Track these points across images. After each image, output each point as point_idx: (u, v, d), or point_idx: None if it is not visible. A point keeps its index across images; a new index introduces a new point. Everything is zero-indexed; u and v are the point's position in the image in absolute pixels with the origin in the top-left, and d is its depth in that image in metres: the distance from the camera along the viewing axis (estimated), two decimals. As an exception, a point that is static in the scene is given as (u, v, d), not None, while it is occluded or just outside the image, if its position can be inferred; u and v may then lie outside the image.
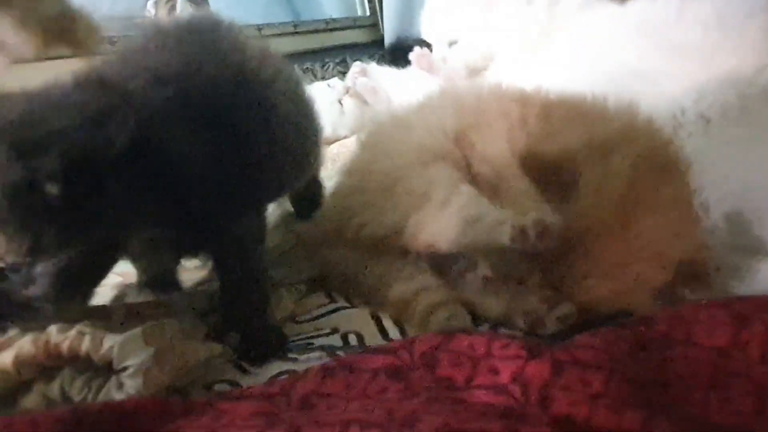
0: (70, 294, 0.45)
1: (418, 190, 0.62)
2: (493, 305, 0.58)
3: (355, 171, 0.73)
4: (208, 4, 1.69)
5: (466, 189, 0.61)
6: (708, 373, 0.43)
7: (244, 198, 0.54)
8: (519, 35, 1.08)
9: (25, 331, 0.46)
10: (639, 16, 0.92)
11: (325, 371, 0.45)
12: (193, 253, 0.56)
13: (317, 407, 0.42)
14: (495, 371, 0.43)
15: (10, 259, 0.41)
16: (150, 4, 1.61)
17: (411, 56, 1.33)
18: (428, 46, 1.31)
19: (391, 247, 0.63)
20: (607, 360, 0.43)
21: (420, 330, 0.55)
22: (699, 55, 0.84)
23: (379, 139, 0.75)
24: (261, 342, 0.55)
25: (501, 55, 1.12)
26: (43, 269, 0.42)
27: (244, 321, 0.56)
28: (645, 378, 0.42)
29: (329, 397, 0.43)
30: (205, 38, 0.57)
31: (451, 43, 1.19)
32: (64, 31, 0.29)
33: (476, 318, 0.58)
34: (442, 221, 0.59)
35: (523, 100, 0.69)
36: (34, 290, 0.42)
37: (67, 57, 0.75)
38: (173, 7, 1.70)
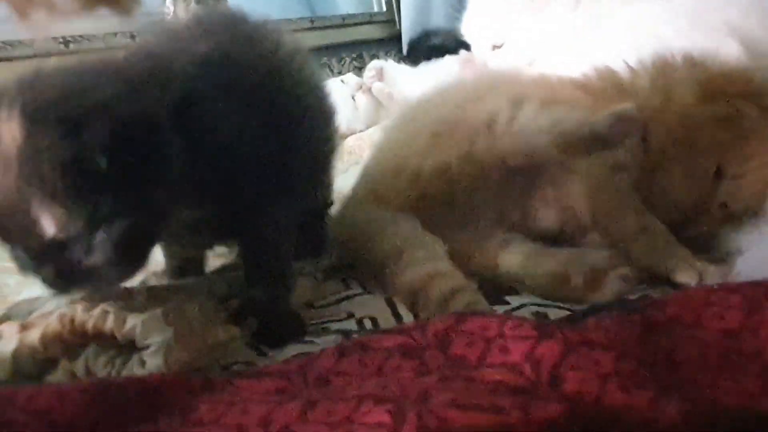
0: (128, 260, 0.46)
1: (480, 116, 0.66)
2: (545, 263, 0.60)
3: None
4: (226, 0, 1.71)
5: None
6: (717, 354, 0.44)
7: (282, 182, 0.55)
8: (566, 39, 1.08)
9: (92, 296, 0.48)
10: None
11: (341, 350, 0.46)
12: (226, 236, 0.57)
13: (333, 384, 0.43)
14: (506, 351, 0.44)
15: (70, 231, 0.42)
16: (169, 1, 1.63)
17: (458, 59, 1.33)
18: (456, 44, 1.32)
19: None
20: (617, 341, 0.44)
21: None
22: (737, 35, 0.85)
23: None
24: (281, 327, 0.57)
25: (546, 57, 1.10)
26: (101, 238, 0.43)
27: (266, 307, 0.57)
28: (654, 359, 0.43)
29: (344, 375, 0.44)
30: (241, 28, 0.59)
31: (495, 47, 1.19)
32: None
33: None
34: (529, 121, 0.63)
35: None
36: (94, 259, 0.43)
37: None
38: (197, 2, 1.72)
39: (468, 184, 0.67)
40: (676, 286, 0.60)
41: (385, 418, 0.37)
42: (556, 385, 0.41)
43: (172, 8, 1.64)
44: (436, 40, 1.62)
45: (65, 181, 0.41)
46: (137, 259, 0.47)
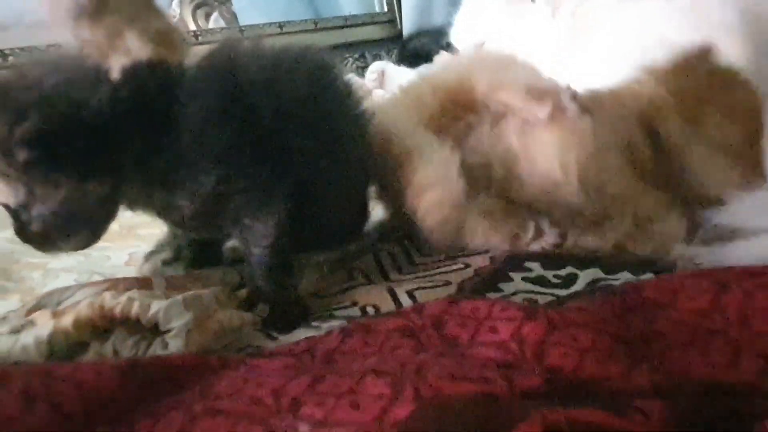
0: (71, 231, 0.56)
1: None
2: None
3: None
4: (231, 3, 1.75)
5: None
6: (688, 332, 0.48)
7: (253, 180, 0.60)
8: (545, 47, 1.11)
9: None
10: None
11: (345, 332, 0.51)
12: (224, 228, 0.62)
13: (338, 362, 0.48)
14: (495, 331, 0.48)
15: (11, 202, 0.53)
16: (175, 4, 1.68)
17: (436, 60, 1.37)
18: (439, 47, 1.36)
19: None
20: (595, 320, 0.48)
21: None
22: (735, 33, 0.90)
23: None
24: (286, 314, 0.61)
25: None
26: (37, 212, 0.53)
27: (270, 295, 0.62)
28: (629, 336, 0.47)
29: (348, 353, 0.48)
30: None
31: (477, 46, 1.23)
32: (166, 42, 0.35)
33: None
34: None
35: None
36: (36, 227, 0.54)
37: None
38: (197, 6, 1.77)
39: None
40: (657, 272, 0.64)
41: (385, 390, 0.42)
42: (540, 360, 0.45)
43: (178, 11, 1.69)
44: (417, 44, 1.66)
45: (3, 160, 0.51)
46: (81, 230, 0.56)
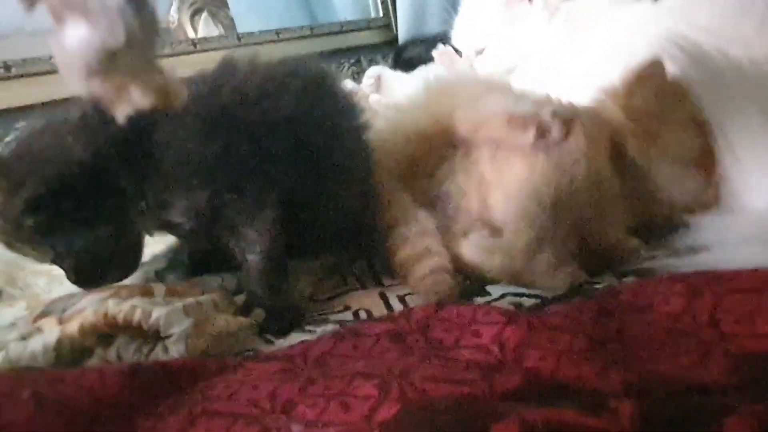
0: (100, 274, 0.62)
1: None
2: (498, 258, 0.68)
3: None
4: (228, 8, 1.77)
5: None
6: (661, 334, 0.51)
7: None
8: (542, 51, 1.14)
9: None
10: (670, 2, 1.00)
11: (336, 336, 0.53)
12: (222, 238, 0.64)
13: (329, 365, 0.50)
14: (478, 334, 0.51)
15: (46, 262, 0.60)
16: (173, 11, 1.70)
17: (433, 53, 1.40)
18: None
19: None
20: (573, 324, 0.51)
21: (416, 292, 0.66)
22: (720, 36, 0.92)
23: None
24: (282, 317, 0.64)
25: (523, 68, 1.17)
26: (68, 264, 0.60)
27: (265, 301, 0.65)
28: (605, 338, 0.50)
29: (339, 357, 0.51)
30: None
31: (478, 52, 1.26)
32: (165, 93, 0.39)
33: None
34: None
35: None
36: (74, 276, 0.61)
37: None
38: (195, 12, 1.79)
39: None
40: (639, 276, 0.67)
41: (373, 391, 0.45)
42: (519, 362, 0.48)
43: (176, 17, 1.71)
44: (411, 53, 1.69)
45: (19, 231, 0.57)
46: (114, 266, 0.62)
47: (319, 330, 0.62)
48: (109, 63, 0.37)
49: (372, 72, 1.54)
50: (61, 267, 0.61)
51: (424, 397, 0.44)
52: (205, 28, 1.73)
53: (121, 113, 0.39)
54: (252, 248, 0.63)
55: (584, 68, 1.04)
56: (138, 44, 0.38)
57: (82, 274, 0.60)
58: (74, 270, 0.60)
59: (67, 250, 0.59)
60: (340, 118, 0.71)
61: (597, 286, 0.67)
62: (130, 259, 0.64)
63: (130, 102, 0.38)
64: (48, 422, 0.41)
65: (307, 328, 0.63)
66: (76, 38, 0.37)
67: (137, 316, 0.53)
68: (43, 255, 0.60)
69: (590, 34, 1.10)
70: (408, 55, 1.71)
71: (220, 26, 1.75)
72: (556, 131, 0.67)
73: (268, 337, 0.62)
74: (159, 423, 0.44)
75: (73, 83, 0.39)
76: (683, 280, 0.55)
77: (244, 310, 0.63)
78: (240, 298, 0.65)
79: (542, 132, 0.67)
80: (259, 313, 0.63)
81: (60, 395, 0.42)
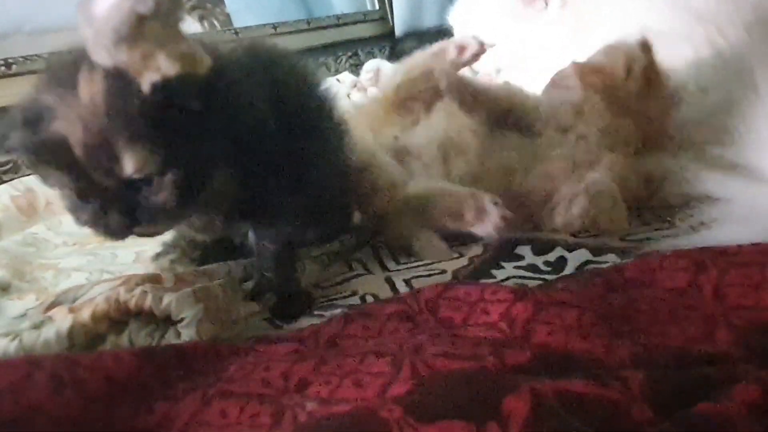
0: (182, 206, 0.52)
1: None
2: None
3: None
4: (224, 5, 1.77)
5: None
6: (667, 308, 0.51)
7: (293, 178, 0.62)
8: (545, 50, 1.15)
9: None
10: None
11: (346, 318, 0.54)
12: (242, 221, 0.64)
13: (341, 345, 0.51)
14: (487, 312, 0.51)
15: (147, 170, 0.49)
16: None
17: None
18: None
19: None
20: (580, 300, 0.51)
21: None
22: (713, 21, 0.93)
23: None
24: (293, 302, 0.65)
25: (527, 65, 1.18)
26: (168, 180, 0.50)
27: (277, 287, 0.65)
28: (612, 313, 0.50)
29: (350, 337, 0.52)
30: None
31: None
32: (190, 61, 0.39)
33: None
34: None
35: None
36: (160, 197, 0.50)
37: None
38: (191, 9, 1.79)
39: None
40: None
41: (385, 368, 0.45)
42: (528, 338, 0.48)
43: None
44: (408, 46, 1.69)
45: (147, 125, 0.47)
46: (187, 206, 0.54)
47: (328, 314, 0.62)
48: (137, 30, 0.37)
49: (370, 65, 1.54)
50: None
51: (435, 373, 0.44)
52: (202, 25, 1.73)
53: (147, 81, 0.39)
54: (274, 239, 0.64)
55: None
56: (165, 12, 0.39)
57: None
58: (156, 193, 0.51)
59: None
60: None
61: (603, 265, 0.67)
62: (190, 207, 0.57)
63: (157, 69, 0.38)
64: (67, 404, 0.41)
65: (316, 312, 0.63)
66: (106, 4, 0.38)
67: (148, 301, 0.54)
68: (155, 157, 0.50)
69: (589, 26, 1.11)
70: (403, 48, 1.71)
71: (216, 23, 1.75)
72: None
73: (277, 323, 0.62)
74: (174, 405, 0.45)
75: (99, 52, 0.39)
76: (688, 256, 0.56)
77: (255, 296, 0.64)
78: (248, 285, 0.66)
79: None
80: (270, 297, 0.64)
81: (77, 378, 0.43)
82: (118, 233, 0.51)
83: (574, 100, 0.82)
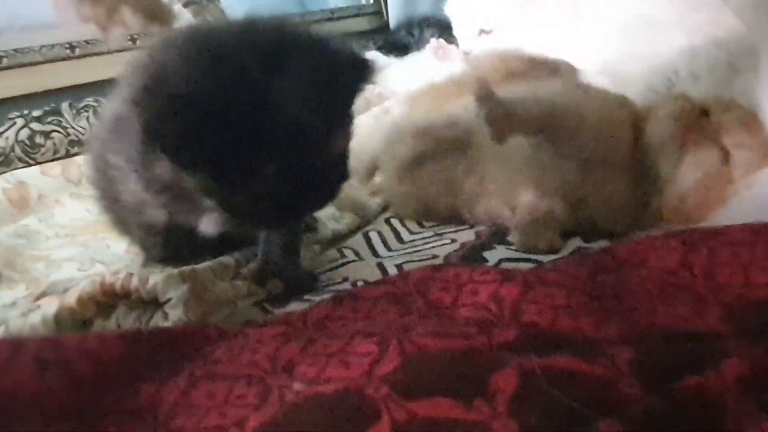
0: None
1: None
2: None
3: None
4: (219, 0, 1.77)
5: None
6: (657, 288, 0.51)
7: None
8: (543, 38, 1.13)
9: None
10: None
11: (335, 301, 0.54)
12: None
13: (329, 327, 0.51)
14: (476, 293, 0.51)
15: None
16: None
17: (428, 48, 1.39)
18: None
19: None
20: (569, 280, 0.51)
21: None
22: (707, 10, 0.93)
23: None
24: (301, 282, 0.66)
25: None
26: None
27: (287, 269, 0.66)
28: (602, 293, 0.50)
29: (339, 320, 0.51)
30: None
31: (483, 32, 1.25)
32: (155, 14, 0.39)
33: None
34: None
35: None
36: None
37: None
38: (186, 4, 1.78)
39: None
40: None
41: (372, 348, 0.45)
42: (516, 318, 0.48)
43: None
44: (398, 37, 1.69)
45: None
46: None
47: (317, 299, 0.62)
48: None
49: (365, 58, 1.53)
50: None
51: (423, 352, 0.44)
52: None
53: (114, 37, 0.39)
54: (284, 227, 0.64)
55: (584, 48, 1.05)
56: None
57: None
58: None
59: None
60: None
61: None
62: None
63: (122, 23, 0.38)
64: (50, 385, 0.41)
65: (306, 297, 0.63)
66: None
67: (134, 282, 0.53)
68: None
69: (586, 14, 1.11)
70: (395, 39, 1.71)
71: (209, 18, 1.75)
72: None
73: (267, 307, 0.62)
74: (161, 387, 0.45)
75: (64, 10, 0.39)
76: (678, 236, 0.55)
77: (259, 281, 0.64)
78: (251, 266, 0.66)
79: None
80: (276, 284, 0.64)
81: (62, 359, 0.42)
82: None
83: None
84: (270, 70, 0.51)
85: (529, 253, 0.69)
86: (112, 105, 0.63)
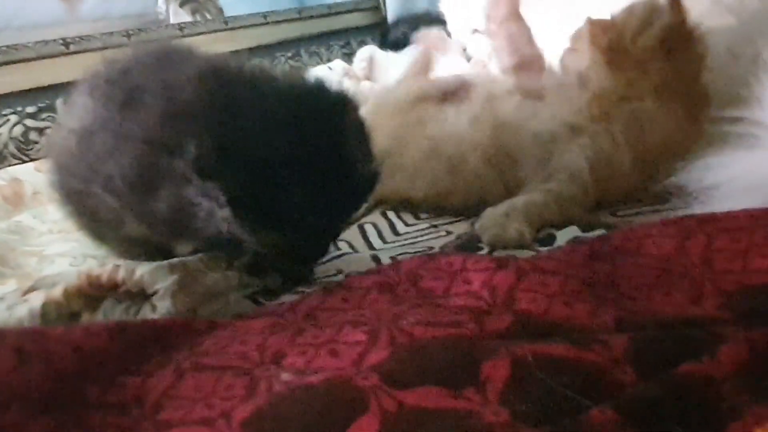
0: None
1: None
2: None
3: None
4: (217, -4, 1.76)
5: None
6: (653, 275, 0.50)
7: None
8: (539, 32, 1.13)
9: None
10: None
11: (325, 291, 0.53)
12: None
13: (319, 317, 0.50)
14: (468, 281, 0.50)
15: None
16: (161, 2, 1.69)
17: (416, 36, 1.38)
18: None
19: None
20: (564, 267, 0.50)
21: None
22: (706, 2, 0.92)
23: None
24: (298, 274, 0.65)
25: None
26: None
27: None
28: (596, 280, 0.49)
29: (329, 310, 0.51)
30: None
31: (475, 31, 1.24)
32: None
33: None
34: None
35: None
36: None
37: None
38: (183, 2, 1.78)
39: None
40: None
41: (362, 337, 0.44)
42: (509, 306, 0.47)
43: (164, 8, 1.70)
44: (397, 33, 1.68)
45: None
46: None
47: (310, 290, 0.61)
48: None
49: (363, 54, 1.52)
50: None
51: (414, 341, 0.43)
52: (195, 18, 1.72)
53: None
54: None
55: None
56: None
57: None
58: None
59: None
60: None
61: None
62: None
63: None
64: (32, 377, 0.40)
65: (299, 290, 0.62)
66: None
67: (121, 273, 0.52)
68: None
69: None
70: (393, 36, 1.70)
71: (208, 16, 1.74)
72: None
73: (260, 300, 0.61)
74: (147, 379, 0.44)
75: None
76: (675, 223, 0.54)
77: (256, 273, 0.63)
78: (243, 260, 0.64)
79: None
80: (274, 280, 0.63)
81: (44, 350, 0.41)
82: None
83: (581, 68, 0.79)
84: (337, 129, 0.56)
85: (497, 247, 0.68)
86: (80, 115, 0.61)
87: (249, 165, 0.51)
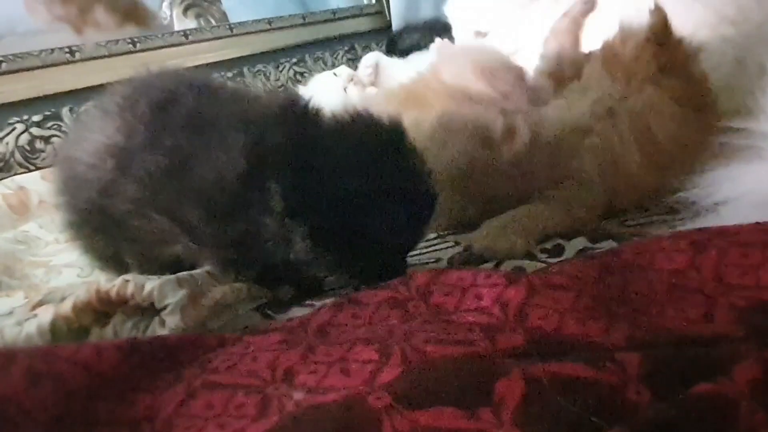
0: None
1: None
2: None
3: None
4: (220, 2, 1.76)
5: None
6: (665, 290, 0.50)
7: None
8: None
9: None
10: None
11: (336, 306, 0.52)
12: None
13: (330, 334, 0.49)
14: (479, 297, 0.50)
15: None
16: (165, 6, 1.69)
17: (432, 47, 1.38)
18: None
19: None
20: (575, 283, 0.50)
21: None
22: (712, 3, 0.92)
23: None
24: (310, 287, 0.66)
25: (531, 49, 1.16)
26: None
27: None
28: (608, 296, 0.49)
29: (339, 326, 0.50)
30: None
31: (479, 34, 1.24)
32: (132, 14, 0.38)
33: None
34: None
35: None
36: None
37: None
38: (188, 7, 1.78)
39: None
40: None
41: (374, 356, 0.44)
42: (521, 322, 0.47)
43: (168, 13, 1.71)
44: (410, 40, 1.68)
45: None
46: None
47: (319, 303, 0.61)
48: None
49: (369, 60, 1.52)
50: None
51: (426, 359, 0.43)
52: (199, 23, 1.72)
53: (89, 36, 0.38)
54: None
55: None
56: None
57: None
58: None
59: None
60: None
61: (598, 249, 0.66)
62: None
63: (96, 24, 0.37)
64: (42, 398, 0.40)
65: (307, 303, 0.62)
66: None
67: (130, 288, 0.52)
68: None
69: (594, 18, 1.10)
70: (403, 45, 1.70)
71: (212, 21, 1.74)
72: None
73: (268, 312, 0.61)
74: (158, 398, 0.44)
75: (37, 12, 0.38)
76: (687, 237, 0.54)
77: (267, 285, 0.63)
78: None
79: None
80: (286, 291, 0.64)
81: (55, 371, 0.41)
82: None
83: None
84: (402, 155, 0.60)
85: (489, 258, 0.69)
86: (118, 133, 0.61)
87: (332, 200, 0.55)
